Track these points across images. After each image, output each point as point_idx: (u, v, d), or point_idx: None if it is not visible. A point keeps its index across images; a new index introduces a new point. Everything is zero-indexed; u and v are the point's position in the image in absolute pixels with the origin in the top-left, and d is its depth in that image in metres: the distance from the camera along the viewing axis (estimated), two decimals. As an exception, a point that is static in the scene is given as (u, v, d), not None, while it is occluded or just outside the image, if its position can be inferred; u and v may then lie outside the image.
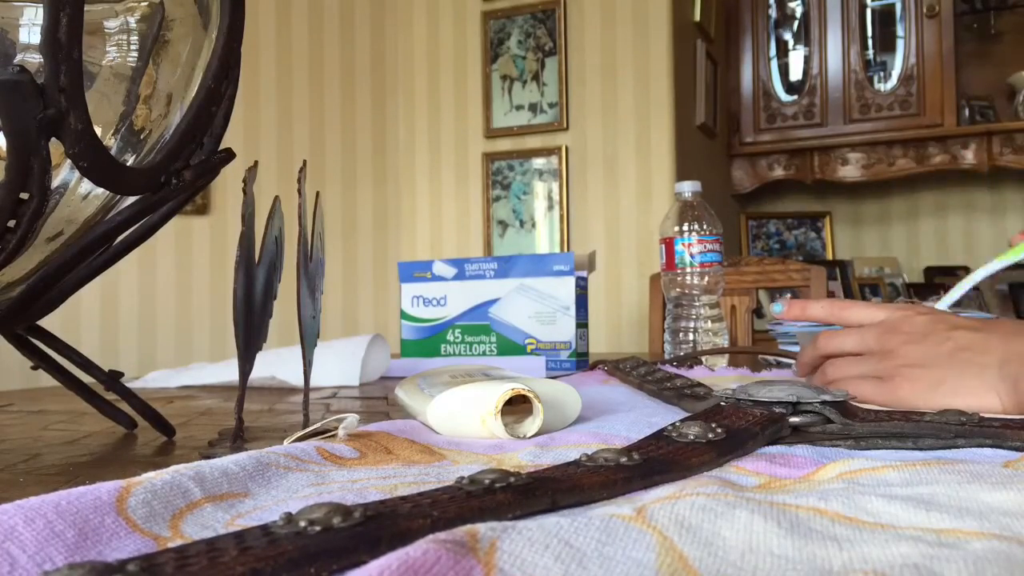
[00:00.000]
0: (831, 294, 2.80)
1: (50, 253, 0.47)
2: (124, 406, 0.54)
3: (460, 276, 1.04)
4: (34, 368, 0.53)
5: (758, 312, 2.88)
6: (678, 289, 1.00)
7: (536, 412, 0.44)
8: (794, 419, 0.40)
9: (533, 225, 2.71)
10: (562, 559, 0.20)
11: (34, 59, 0.45)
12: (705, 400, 0.49)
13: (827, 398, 0.41)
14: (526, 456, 0.38)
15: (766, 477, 0.33)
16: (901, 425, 0.39)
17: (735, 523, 0.23)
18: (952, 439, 0.37)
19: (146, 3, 0.48)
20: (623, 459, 0.31)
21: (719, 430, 0.37)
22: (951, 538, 0.22)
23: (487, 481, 0.27)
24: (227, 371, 0.94)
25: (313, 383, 0.77)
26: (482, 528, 0.21)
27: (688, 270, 0.99)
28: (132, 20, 0.48)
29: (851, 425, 0.40)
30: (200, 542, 0.21)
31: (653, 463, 0.32)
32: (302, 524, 0.22)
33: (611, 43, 2.63)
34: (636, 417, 0.50)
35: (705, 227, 0.99)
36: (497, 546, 0.20)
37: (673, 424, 0.38)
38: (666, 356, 1.00)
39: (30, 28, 0.46)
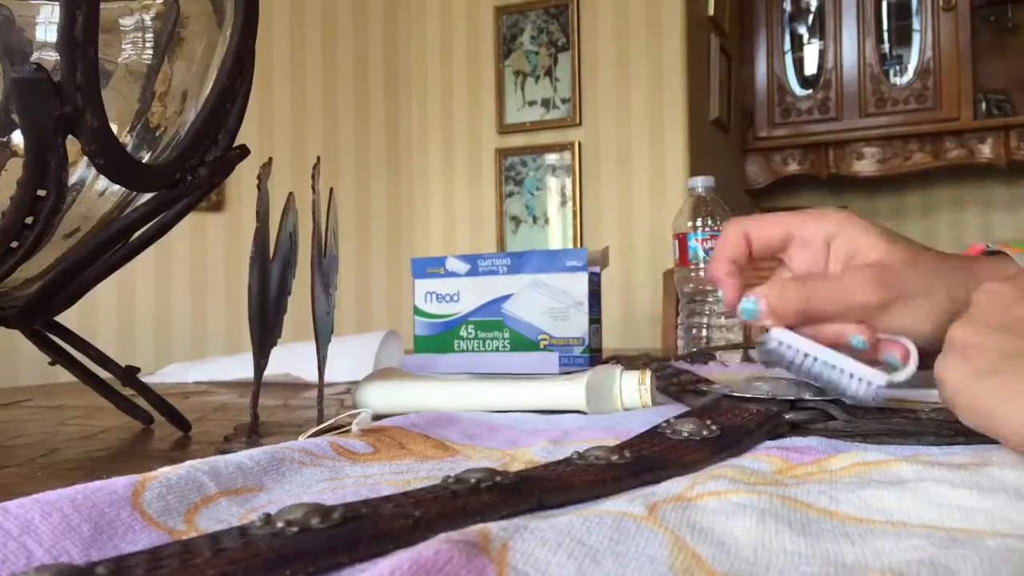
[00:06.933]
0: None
1: (67, 249, 0.47)
2: (140, 401, 0.54)
3: (473, 272, 1.04)
4: (52, 363, 0.53)
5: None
6: (691, 285, 0.99)
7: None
8: (792, 416, 0.40)
9: (546, 221, 2.71)
10: (575, 556, 0.20)
11: (50, 57, 0.45)
12: (705, 396, 0.49)
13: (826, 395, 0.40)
14: (539, 452, 0.38)
15: (780, 461, 0.33)
16: (903, 423, 0.38)
17: (746, 522, 0.23)
18: (953, 436, 0.37)
19: (161, 1, 0.49)
20: (614, 457, 0.31)
21: (714, 427, 0.36)
22: (963, 536, 0.22)
23: (473, 480, 0.27)
24: (242, 365, 0.95)
25: (327, 379, 0.77)
26: (494, 528, 0.21)
27: (701, 266, 0.98)
28: (147, 18, 0.48)
29: (854, 421, 0.39)
30: (175, 543, 0.21)
31: (644, 461, 0.31)
32: (279, 525, 0.22)
33: (624, 38, 2.62)
34: (649, 412, 0.50)
35: (719, 222, 0.99)
36: (509, 546, 0.20)
37: (667, 421, 0.37)
38: (679, 352, 1.00)
39: (46, 26, 0.46)
